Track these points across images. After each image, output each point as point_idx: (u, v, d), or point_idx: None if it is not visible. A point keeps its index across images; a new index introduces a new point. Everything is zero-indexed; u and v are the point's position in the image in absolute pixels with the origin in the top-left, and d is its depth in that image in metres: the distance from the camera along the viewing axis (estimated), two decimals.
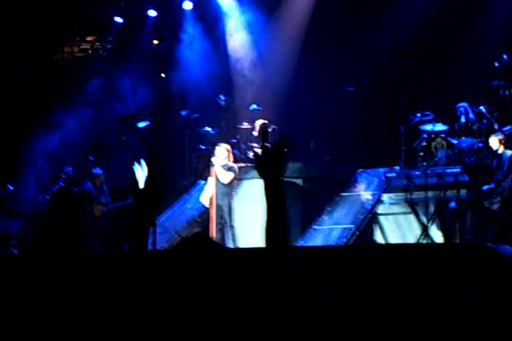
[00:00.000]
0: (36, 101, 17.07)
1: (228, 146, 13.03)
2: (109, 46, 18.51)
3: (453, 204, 12.33)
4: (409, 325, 5.67)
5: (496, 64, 13.55)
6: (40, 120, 16.43)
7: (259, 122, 15.28)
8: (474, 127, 13.48)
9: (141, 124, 15.29)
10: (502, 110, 13.46)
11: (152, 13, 18.21)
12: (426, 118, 13.98)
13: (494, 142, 11.96)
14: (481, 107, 13.41)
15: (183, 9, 18.16)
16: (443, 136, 13.58)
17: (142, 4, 18.13)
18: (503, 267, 9.36)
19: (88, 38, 18.63)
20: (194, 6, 18.06)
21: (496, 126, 13.11)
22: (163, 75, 18.07)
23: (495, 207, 11.65)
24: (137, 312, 3.05)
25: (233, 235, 12.48)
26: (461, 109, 13.79)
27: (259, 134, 15.21)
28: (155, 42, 18.57)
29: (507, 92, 13.43)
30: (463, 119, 13.74)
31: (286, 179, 10.60)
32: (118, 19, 18.22)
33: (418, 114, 14.03)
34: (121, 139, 15.69)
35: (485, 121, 13.46)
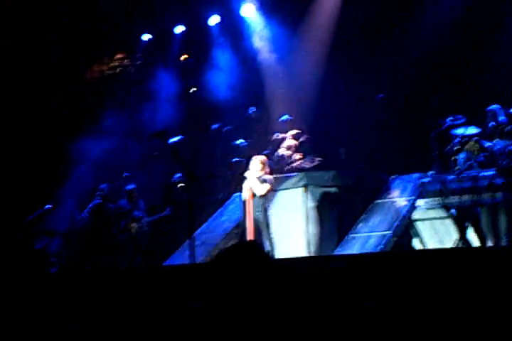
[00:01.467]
0: (67, 123, 17.26)
1: (263, 158, 13.10)
2: (138, 63, 18.69)
3: (453, 211, 12.31)
4: (452, 331, 5.67)
5: None
6: (74, 139, 16.61)
7: (291, 132, 15.36)
8: (507, 129, 13.40)
9: (174, 139, 15.42)
10: None
11: (179, 29, 18.38)
12: (457, 122, 13.93)
13: None
14: None
15: (209, 25, 18.33)
16: (476, 139, 13.51)
17: (169, 21, 18.29)
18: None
19: (117, 56, 18.82)
20: (221, 20, 18.21)
21: None
22: (193, 89, 18.22)
23: None
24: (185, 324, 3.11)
25: (271, 246, 12.52)
26: (493, 111, 13.72)
27: (294, 144, 15.29)
28: (183, 57, 18.72)
29: None
30: (494, 122, 13.67)
31: (321, 188, 10.69)
32: (145, 36, 18.40)
33: (449, 118, 13.99)
34: (154, 155, 15.83)
35: None
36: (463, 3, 15.98)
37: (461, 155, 13.23)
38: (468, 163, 13.10)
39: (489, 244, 11.99)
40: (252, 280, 3.43)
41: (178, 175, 15.46)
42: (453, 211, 12.59)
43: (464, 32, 15.98)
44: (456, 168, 13.32)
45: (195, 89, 18.10)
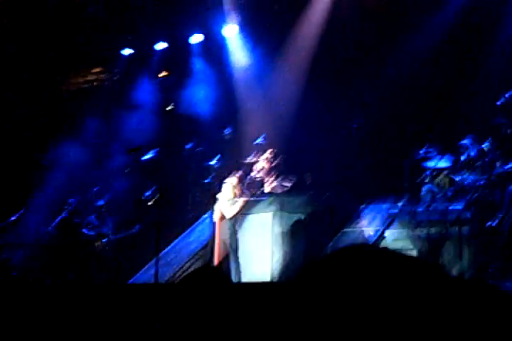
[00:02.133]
0: (41, 133, 17.18)
1: (235, 180, 13.11)
2: (115, 78, 18.67)
3: (452, 245, 12.33)
4: None
5: (500, 101, 13.59)
6: (44, 151, 16.52)
7: (265, 155, 15.36)
8: (478, 164, 13.48)
9: (146, 156, 15.38)
10: (505, 147, 13.47)
11: (160, 46, 18.40)
12: (430, 155, 14.00)
13: None
14: (485, 144, 13.44)
15: (190, 43, 18.38)
16: (446, 172, 13.59)
17: (150, 37, 18.31)
18: (506, 305, 9.36)
19: (94, 70, 18.79)
20: (203, 39, 18.27)
21: (498, 163, 13.11)
22: (170, 107, 18.21)
23: (499, 243, 11.66)
24: None
25: (237, 269, 12.49)
26: (465, 145, 13.81)
27: (268, 167, 15.30)
28: (162, 74, 18.73)
29: (510, 130, 13.45)
30: (466, 156, 13.76)
31: (290, 213, 10.65)
32: (125, 51, 18.40)
33: (422, 150, 14.06)
34: (126, 170, 15.77)
35: (488, 157, 13.46)
36: (440, 37, 16.12)
37: (426, 188, 13.29)
38: (432, 195, 13.16)
39: (454, 276, 12.00)
40: (212, 305, 3.41)
41: (149, 192, 15.42)
42: (421, 243, 12.63)
43: (440, 64, 16.11)
44: (431, 199, 13.34)
45: (172, 106, 18.08)
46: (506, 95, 13.51)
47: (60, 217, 14.86)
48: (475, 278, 11.82)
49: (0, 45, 17.00)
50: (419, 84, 16.17)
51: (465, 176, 13.39)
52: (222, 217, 12.85)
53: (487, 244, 11.91)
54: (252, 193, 14.90)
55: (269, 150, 15.50)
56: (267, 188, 15.18)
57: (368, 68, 16.41)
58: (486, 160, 13.40)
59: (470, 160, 13.64)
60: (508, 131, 13.42)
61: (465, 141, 13.82)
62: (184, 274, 3.62)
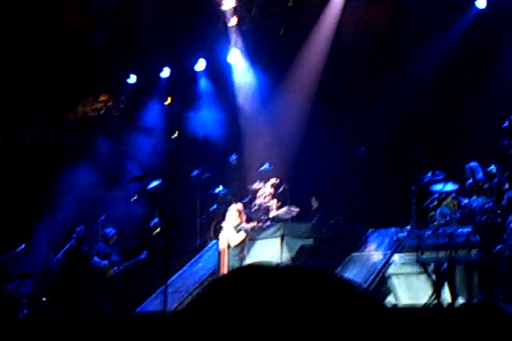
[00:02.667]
0: (50, 160, 17.25)
1: (240, 207, 13.12)
2: (121, 106, 18.75)
3: (454, 267, 12.28)
4: None
5: (505, 124, 13.61)
6: (53, 179, 16.57)
7: (271, 181, 15.40)
8: (485, 186, 13.47)
9: (153, 184, 15.41)
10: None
11: (165, 73, 18.50)
12: (436, 178, 14.00)
13: None
14: (492, 167, 13.43)
15: (195, 69, 18.47)
16: (453, 195, 13.57)
17: (156, 64, 18.41)
18: None
19: (101, 98, 18.89)
20: (207, 66, 18.37)
21: (506, 186, 13.11)
22: (175, 135, 18.29)
23: (504, 267, 11.61)
24: None
25: None
26: (471, 168, 13.80)
27: (273, 193, 15.34)
28: (167, 101, 18.81)
29: None
30: (473, 179, 13.75)
31: (297, 239, 10.65)
32: (131, 79, 18.50)
33: (429, 174, 14.05)
34: (132, 199, 15.77)
35: (495, 180, 13.45)
36: (444, 60, 16.18)
37: (438, 211, 13.26)
38: (445, 219, 13.12)
39: (461, 301, 11.96)
40: (222, 334, 3.38)
41: (156, 220, 15.42)
42: (429, 267, 12.60)
43: (445, 88, 16.17)
44: (434, 223, 13.33)
45: (176, 135, 18.17)
46: (511, 117, 13.54)
47: (68, 245, 14.86)
48: (484, 301, 11.77)
49: (10, 74, 17.12)
50: (424, 108, 16.23)
51: (472, 199, 13.37)
52: (229, 244, 12.86)
53: (495, 268, 11.86)
54: (259, 219, 14.93)
55: (274, 177, 15.55)
56: (273, 214, 15.21)
57: (373, 94, 16.47)
58: (493, 182, 13.39)
59: (477, 183, 13.63)
60: None
61: (472, 164, 13.80)
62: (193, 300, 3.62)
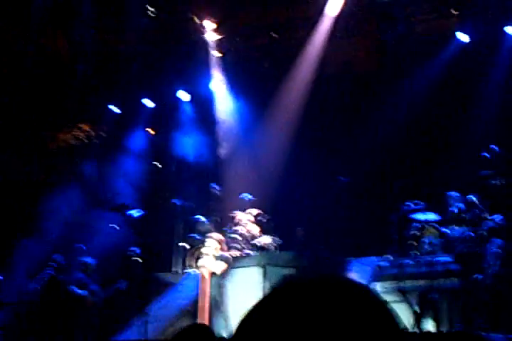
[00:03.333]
0: (30, 188, 17.19)
1: (220, 236, 13.12)
2: (104, 135, 18.76)
3: (440, 298, 12.27)
4: None
5: (486, 154, 13.72)
6: (33, 208, 16.48)
7: (252, 211, 15.39)
8: (465, 216, 13.54)
9: (136, 214, 15.38)
10: (492, 199, 13.54)
11: (148, 103, 18.57)
12: (417, 207, 14.06)
13: None
14: (472, 196, 13.51)
15: (179, 100, 18.54)
16: (434, 225, 13.62)
17: (138, 93, 18.47)
18: None
19: (83, 126, 18.88)
20: (190, 96, 18.45)
21: (486, 215, 13.17)
22: (158, 164, 18.30)
23: (486, 295, 11.63)
24: None
25: (226, 324, 12.40)
26: (452, 198, 13.88)
27: (255, 222, 15.32)
28: (151, 130, 18.85)
29: (497, 182, 13.55)
30: (452, 209, 13.82)
31: (279, 268, 10.60)
32: (113, 108, 18.53)
33: (410, 204, 14.12)
34: (113, 228, 15.71)
35: (476, 210, 13.53)
36: (426, 93, 16.33)
37: (424, 240, 13.31)
38: (431, 247, 13.16)
39: (443, 329, 11.95)
40: None
41: (136, 248, 15.35)
42: (409, 295, 12.58)
43: (427, 120, 16.30)
44: (415, 252, 13.35)
45: (159, 164, 18.20)
46: (493, 148, 13.65)
47: (45, 274, 14.69)
48: (465, 330, 11.75)
49: None
50: (406, 140, 16.32)
51: (453, 228, 13.43)
52: (210, 272, 12.81)
53: (475, 296, 11.88)
54: (240, 248, 14.88)
55: (255, 207, 15.54)
56: (255, 243, 15.17)
57: (356, 126, 16.56)
58: (473, 212, 13.46)
59: (457, 213, 13.69)
60: (496, 183, 13.50)
61: (451, 193, 13.89)
62: (173, 330, 3.61)
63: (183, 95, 18.51)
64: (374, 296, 1.28)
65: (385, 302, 1.29)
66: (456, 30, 16.36)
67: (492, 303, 11.57)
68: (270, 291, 1.24)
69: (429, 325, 12.16)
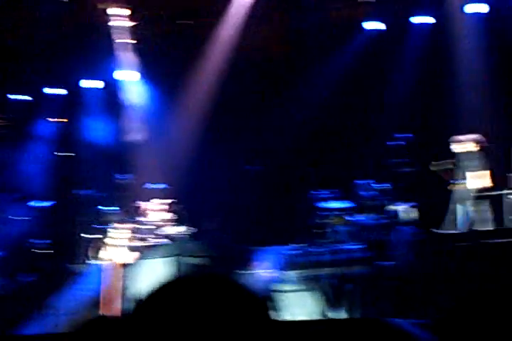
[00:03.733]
0: None
1: (128, 226, 12.97)
2: (4, 124, 18.35)
3: (346, 283, 12.36)
4: None
5: (392, 143, 13.88)
6: None
7: (163, 201, 15.29)
8: (373, 204, 13.67)
9: (43, 204, 15.10)
10: (400, 187, 13.69)
11: (53, 91, 18.25)
12: (327, 196, 14.13)
13: None
14: (379, 184, 13.64)
15: (87, 88, 18.24)
16: (343, 213, 13.71)
17: (43, 82, 18.12)
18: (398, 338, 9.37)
19: None
20: (99, 85, 18.18)
21: (394, 203, 13.32)
22: (64, 154, 18.01)
23: (394, 282, 11.77)
24: None
25: None
26: (360, 186, 13.99)
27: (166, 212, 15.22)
28: (57, 119, 18.52)
29: (403, 170, 13.71)
30: (363, 196, 13.93)
31: (190, 258, 10.44)
32: (21, 97, 18.15)
33: (319, 192, 14.17)
34: (19, 218, 15.40)
35: (384, 198, 13.66)
36: (336, 80, 16.43)
37: (331, 228, 13.39)
38: (339, 236, 13.26)
39: (351, 316, 12.05)
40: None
41: (42, 240, 15.08)
42: (318, 283, 12.64)
43: (336, 108, 16.41)
44: (324, 240, 13.43)
45: (66, 153, 17.89)
46: (397, 136, 13.80)
47: None
48: (374, 316, 11.86)
49: None
50: (316, 128, 16.39)
51: (359, 216, 13.55)
52: (118, 263, 12.64)
53: (384, 283, 11.99)
54: (152, 238, 14.77)
55: (167, 196, 15.43)
56: (167, 233, 15.09)
57: (267, 113, 16.55)
58: (380, 200, 13.60)
59: (365, 201, 13.82)
60: (403, 171, 13.64)
61: (361, 182, 14.01)
62: (78, 323, 3.49)
63: (94, 83, 18.21)
64: (246, 291, 1.44)
65: (257, 297, 1.41)
66: (366, 19, 16.47)
67: (400, 290, 11.70)
68: (159, 285, 1.49)
69: (337, 313, 12.24)
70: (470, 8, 15.43)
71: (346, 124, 16.21)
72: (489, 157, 13.15)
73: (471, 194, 12.98)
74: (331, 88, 16.35)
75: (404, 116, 15.36)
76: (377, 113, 15.72)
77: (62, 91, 18.35)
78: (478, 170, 13.06)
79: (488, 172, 13.02)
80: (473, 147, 13.19)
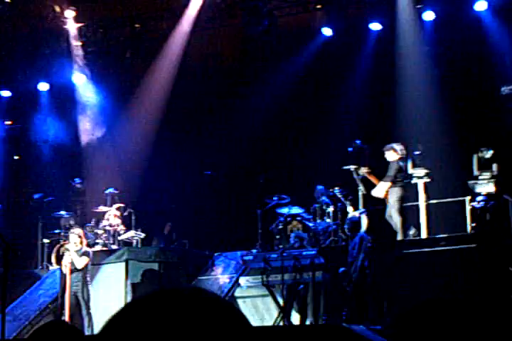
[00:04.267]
0: None
1: (80, 231, 12.86)
2: None
3: (301, 286, 12.39)
4: None
5: (350, 149, 13.89)
6: None
7: (115, 205, 15.19)
8: (329, 210, 13.74)
9: None
10: (355, 193, 13.74)
11: (5, 93, 17.98)
12: (282, 202, 14.16)
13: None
14: (336, 190, 13.68)
15: (38, 90, 18.01)
16: (299, 218, 13.76)
17: None
18: None
19: None
20: (50, 87, 17.95)
21: (349, 209, 13.35)
22: (16, 157, 17.75)
23: (350, 288, 11.82)
24: None
25: (90, 322, 12.16)
26: (318, 191, 14.06)
27: (118, 217, 15.12)
28: (8, 123, 18.25)
29: (359, 176, 13.71)
30: (318, 202, 14.00)
31: (142, 263, 10.39)
32: None
33: (275, 198, 14.20)
34: None
35: (339, 204, 13.72)
36: (291, 86, 16.48)
37: (291, 234, 13.42)
38: (300, 242, 13.26)
39: (308, 321, 12.09)
40: None
41: None
42: (275, 289, 12.67)
43: (293, 114, 16.47)
44: (280, 246, 13.45)
45: (16, 157, 17.65)
46: (355, 143, 13.84)
47: None
48: (329, 321, 11.93)
49: None
50: (271, 134, 16.44)
51: (317, 222, 13.60)
52: (71, 268, 12.51)
53: (339, 289, 12.05)
54: (104, 243, 14.68)
55: (118, 201, 15.35)
56: (120, 238, 15.02)
57: (220, 117, 16.54)
58: (338, 206, 13.69)
59: (321, 207, 13.89)
60: (356, 177, 13.69)
61: (317, 188, 14.07)
62: (33, 329, 3.45)
63: (43, 85, 17.98)
64: (223, 302, 1.41)
65: (232, 308, 1.40)
66: (321, 25, 16.53)
67: (356, 295, 11.77)
68: (137, 298, 1.41)
69: (295, 318, 12.28)
70: (426, 16, 15.61)
71: (304, 129, 16.28)
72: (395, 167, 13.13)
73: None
74: (288, 92, 16.42)
75: (362, 121, 15.48)
76: (335, 117, 15.78)
77: (8, 93, 18.09)
78: (384, 180, 13.11)
79: (383, 184, 13.07)
80: (390, 156, 13.21)
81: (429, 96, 15.50)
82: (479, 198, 12.84)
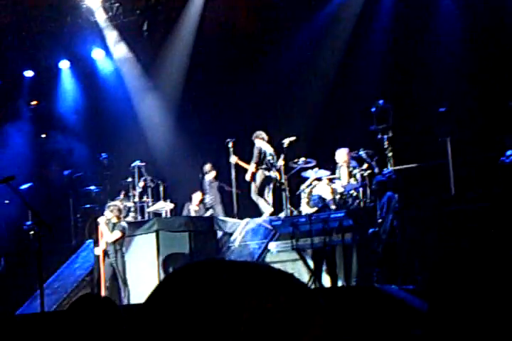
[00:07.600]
0: None
1: (118, 204, 13.10)
2: None
3: (327, 248, 12.44)
4: None
5: (373, 109, 13.83)
6: None
7: (142, 178, 15.38)
8: (355, 172, 13.69)
9: (24, 186, 15.11)
10: (381, 154, 13.72)
11: (28, 73, 18.13)
12: (308, 165, 14.17)
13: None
14: (361, 152, 13.65)
15: (60, 68, 18.16)
16: (326, 181, 13.74)
17: (18, 65, 18.00)
18: (390, 306, 9.57)
19: None
20: (71, 63, 18.09)
21: (376, 170, 13.35)
22: (43, 135, 17.97)
23: (380, 249, 11.88)
24: None
25: (127, 292, 12.43)
26: (343, 154, 13.98)
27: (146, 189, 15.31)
28: (33, 103, 18.43)
29: (385, 137, 13.69)
30: (350, 165, 13.93)
31: (171, 232, 10.59)
32: None
33: (300, 161, 14.21)
34: (3, 202, 15.40)
35: (365, 165, 13.68)
36: (308, 49, 16.46)
37: (316, 197, 13.41)
38: (323, 204, 13.28)
39: (340, 284, 12.20)
40: (100, 331, 3.40)
41: (29, 221, 15.10)
42: (305, 253, 12.75)
43: (312, 77, 16.45)
44: (312, 209, 13.42)
45: (44, 135, 17.86)
46: (378, 103, 13.80)
47: None
48: (360, 283, 12.06)
49: None
50: (291, 97, 16.46)
51: (344, 184, 13.61)
52: (106, 241, 12.77)
53: (369, 250, 12.13)
54: (135, 216, 14.90)
55: (146, 173, 15.52)
56: (148, 209, 15.23)
57: (238, 85, 16.55)
58: (363, 167, 13.65)
59: (348, 168, 13.87)
60: (383, 137, 13.68)
61: (342, 150, 13.96)
62: (70, 301, 3.62)
63: (64, 63, 18.14)
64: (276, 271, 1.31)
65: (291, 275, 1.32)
66: None
67: (387, 256, 11.84)
68: (171, 273, 1.32)
69: (326, 281, 12.39)
70: None
71: (324, 91, 16.22)
72: None
73: None
74: (306, 55, 16.42)
75: (384, 81, 15.35)
76: (357, 79, 15.69)
77: (31, 73, 18.25)
78: None
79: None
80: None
81: (454, 53, 15.22)
82: (509, 152, 12.59)
